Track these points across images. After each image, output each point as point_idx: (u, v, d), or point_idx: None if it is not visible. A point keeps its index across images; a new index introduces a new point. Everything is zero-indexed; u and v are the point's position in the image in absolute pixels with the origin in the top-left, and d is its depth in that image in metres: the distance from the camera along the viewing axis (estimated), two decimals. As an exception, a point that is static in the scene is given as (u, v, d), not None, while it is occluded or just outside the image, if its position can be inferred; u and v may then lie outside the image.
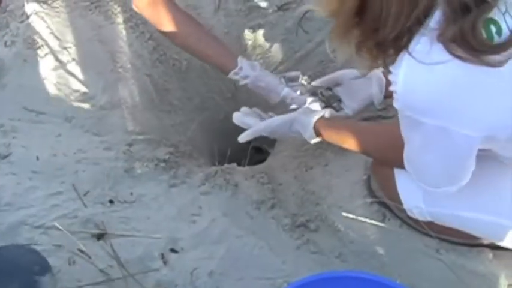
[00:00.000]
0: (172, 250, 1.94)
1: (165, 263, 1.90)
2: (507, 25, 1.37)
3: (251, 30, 2.84)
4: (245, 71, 2.17)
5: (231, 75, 2.19)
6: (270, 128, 2.03)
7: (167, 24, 2.16)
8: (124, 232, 1.97)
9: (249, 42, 2.84)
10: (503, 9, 1.37)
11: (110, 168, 2.15)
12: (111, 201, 2.05)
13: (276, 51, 2.79)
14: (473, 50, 1.34)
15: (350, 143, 1.91)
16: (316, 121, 1.95)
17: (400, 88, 1.48)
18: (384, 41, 1.45)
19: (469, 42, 1.33)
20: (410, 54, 1.42)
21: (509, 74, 1.37)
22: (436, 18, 1.38)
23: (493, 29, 1.36)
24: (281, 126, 2.02)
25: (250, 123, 2.07)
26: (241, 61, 2.19)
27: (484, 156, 1.62)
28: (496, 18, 1.37)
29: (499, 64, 1.33)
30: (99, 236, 1.95)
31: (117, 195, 2.07)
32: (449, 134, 1.47)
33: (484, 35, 1.35)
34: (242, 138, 2.07)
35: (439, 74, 1.40)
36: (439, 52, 1.38)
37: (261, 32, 2.82)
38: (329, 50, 1.81)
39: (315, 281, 1.48)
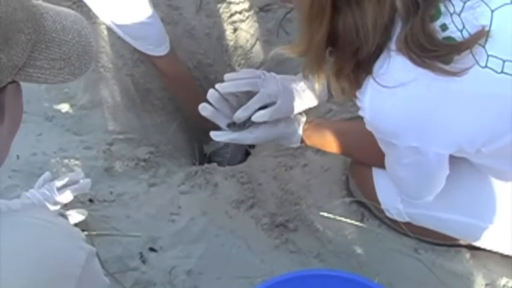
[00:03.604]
0: (151, 249, 1.94)
1: (143, 261, 1.90)
2: (461, 34, 1.38)
3: (232, 31, 2.85)
4: None
5: None
6: (253, 142, 1.87)
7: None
8: (103, 231, 1.96)
9: (230, 43, 2.85)
10: (460, 26, 1.38)
11: (90, 168, 2.14)
12: (90, 200, 2.04)
13: (257, 52, 2.80)
14: (426, 51, 1.35)
15: (333, 147, 1.91)
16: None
17: (367, 114, 1.50)
18: (364, 60, 1.45)
19: (419, 40, 1.34)
20: (374, 79, 1.43)
21: (470, 91, 1.39)
22: (395, 35, 1.39)
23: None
24: (265, 141, 1.90)
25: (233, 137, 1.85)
26: None
27: (460, 161, 1.65)
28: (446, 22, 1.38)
29: (456, 74, 1.35)
30: (79, 235, 1.94)
31: (96, 194, 2.06)
32: (421, 152, 1.50)
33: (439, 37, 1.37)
34: (218, 136, 1.84)
35: (403, 97, 1.41)
36: (398, 70, 1.40)
37: (242, 32, 2.83)
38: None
39: (292, 279, 1.48)
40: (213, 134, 1.84)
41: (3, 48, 0.93)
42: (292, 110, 1.86)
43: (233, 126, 1.82)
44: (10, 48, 0.95)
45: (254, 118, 1.76)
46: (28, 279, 1.10)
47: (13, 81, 1.02)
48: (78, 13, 1.13)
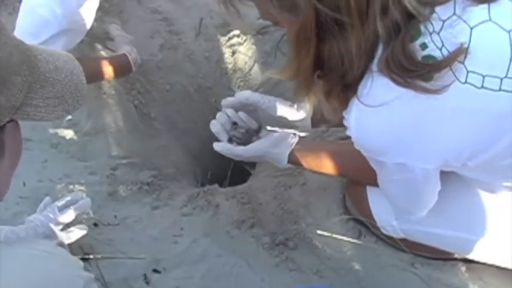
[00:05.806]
0: (155, 270, 1.98)
1: (147, 283, 1.94)
2: (441, 52, 1.40)
3: (231, 54, 2.89)
4: None
5: None
6: (241, 157, 2.00)
7: None
8: (108, 254, 2.00)
9: (229, 66, 2.89)
10: (440, 45, 1.41)
11: (95, 193, 2.18)
12: (95, 224, 2.08)
13: (256, 74, 2.85)
14: (406, 71, 1.38)
15: (328, 169, 1.94)
16: (290, 152, 1.95)
17: (353, 133, 1.54)
18: (351, 82, 1.49)
19: (400, 61, 1.37)
20: (358, 99, 1.47)
21: (451, 107, 1.42)
22: (377, 57, 1.43)
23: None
24: (252, 159, 2.03)
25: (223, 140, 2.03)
26: None
27: (451, 176, 1.68)
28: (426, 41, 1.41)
29: (437, 92, 1.38)
30: (85, 259, 1.98)
31: (101, 218, 2.11)
32: (408, 169, 1.54)
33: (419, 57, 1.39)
34: (216, 146, 2.01)
35: (387, 116, 1.45)
36: (381, 90, 1.43)
37: (240, 55, 2.87)
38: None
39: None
40: (215, 145, 2.00)
41: (1, 90, 0.99)
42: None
43: (231, 142, 2.03)
44: (8, 90, 1.00)
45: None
46: None
47: (11, 120, 1.08)
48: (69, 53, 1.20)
